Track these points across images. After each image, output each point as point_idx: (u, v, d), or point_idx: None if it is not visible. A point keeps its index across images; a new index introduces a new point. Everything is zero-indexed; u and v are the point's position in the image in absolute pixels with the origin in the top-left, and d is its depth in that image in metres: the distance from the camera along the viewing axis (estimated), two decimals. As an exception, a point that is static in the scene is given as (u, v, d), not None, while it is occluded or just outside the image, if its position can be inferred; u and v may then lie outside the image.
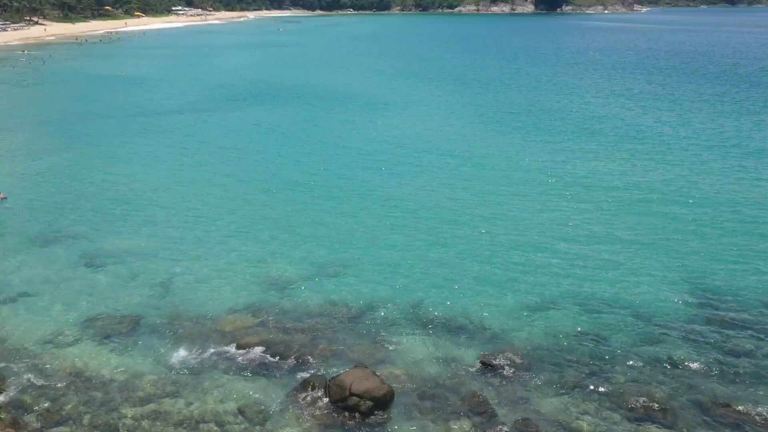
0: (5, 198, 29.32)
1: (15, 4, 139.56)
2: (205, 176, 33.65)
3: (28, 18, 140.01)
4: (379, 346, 17.91)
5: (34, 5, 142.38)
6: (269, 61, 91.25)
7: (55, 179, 32.74)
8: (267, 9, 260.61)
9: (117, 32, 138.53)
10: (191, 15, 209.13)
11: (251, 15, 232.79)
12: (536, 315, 19.34)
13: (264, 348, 17.63)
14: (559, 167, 34.23)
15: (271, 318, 19.27)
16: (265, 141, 41.32)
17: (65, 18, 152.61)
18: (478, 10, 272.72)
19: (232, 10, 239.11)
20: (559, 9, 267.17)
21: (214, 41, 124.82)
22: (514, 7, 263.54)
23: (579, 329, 18.60)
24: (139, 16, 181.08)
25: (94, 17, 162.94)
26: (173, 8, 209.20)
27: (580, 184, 31.33)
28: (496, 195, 30.32)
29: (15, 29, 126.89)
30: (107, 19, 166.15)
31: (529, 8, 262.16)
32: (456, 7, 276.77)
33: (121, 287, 21.33)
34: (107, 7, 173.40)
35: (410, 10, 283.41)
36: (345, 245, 24.62)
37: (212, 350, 17.66)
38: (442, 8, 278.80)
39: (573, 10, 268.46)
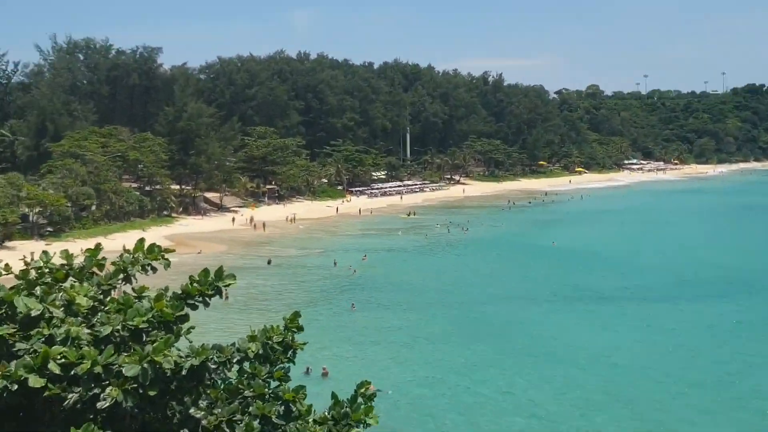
0: (327, 374, 35.13)
1: (437, 161, 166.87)
2: (649, 388, 33.70)
3: (448, 176, 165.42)
4: None
5: (456, 161, 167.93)
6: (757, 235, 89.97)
7: (441, 373, 36.91)
8: (758, 159, 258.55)
9: (548, 193, 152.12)
10: (648, 170, 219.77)
11: (722, 168, 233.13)
12: None
13: None
14: None
15: None
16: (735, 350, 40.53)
17: (490, 176, 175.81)
18: None
19: (706, 162, 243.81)
20: None
21: (678, 203, 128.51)
22: None
23: None
24: (581, 173, 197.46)
25: (523, 174, 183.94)
26: (625, 162, 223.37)
27: None
28: None
29: (433, 189, 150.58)
30: (540, 177, 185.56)
31: None
32: None
33: None
34: (542, 162, 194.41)
35: None
36: None
37: None
38: None
39: None
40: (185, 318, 5.73)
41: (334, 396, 5.99)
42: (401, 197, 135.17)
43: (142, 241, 5.82)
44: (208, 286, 5.75)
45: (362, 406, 5.84)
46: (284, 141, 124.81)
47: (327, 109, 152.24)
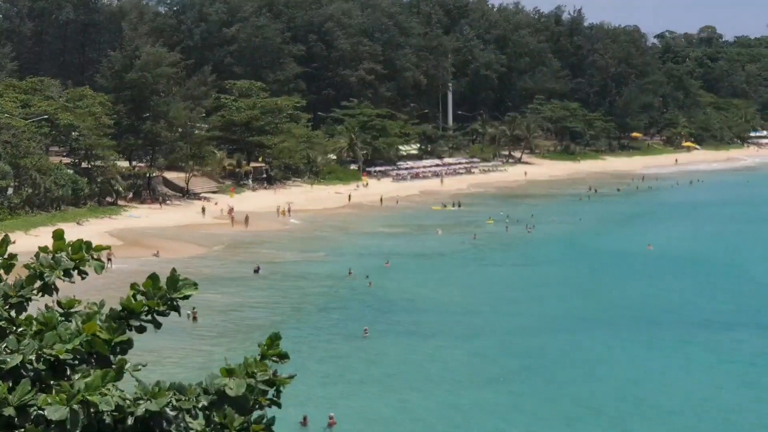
0: (334, 424, 36.19)
1: (490, 130, 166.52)
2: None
3: (505, 153, 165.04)
4: None
5: (517, 132, 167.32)
6: None
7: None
8: None
9: (645, 177, 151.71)
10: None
11: None
12: None
13: None
14: None
15: None
16: None
17: (564, 153, 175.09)
18: None
19: None
20: None
21: None
22: None
23: None
24: (690, 149, 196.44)
25: (610, 151, 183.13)
26: (752, 134, 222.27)
27: None
28: None
29: (484, 170, 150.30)
30: (633, 154, 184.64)
31: None
32: None
33: None
34: (636, 134, 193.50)
35: None
36: None
37: None
38: None
39: None
40: (128, 344, 5.69)
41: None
42: (442, 181, 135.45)
43: (62, 234, 5.74)
44: (159, 299, 5.69)
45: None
46: (276, 101, 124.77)
47: (337, 56, 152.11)
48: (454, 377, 43.98)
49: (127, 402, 5.32)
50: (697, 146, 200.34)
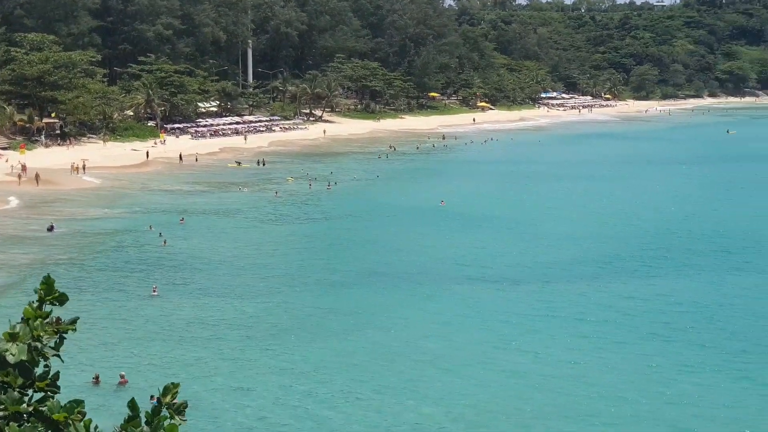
0: (125, 383, 35.77)
1: (291, 88, 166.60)
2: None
3: (306, 111, 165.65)
4: None
5: (318, 90, 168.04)
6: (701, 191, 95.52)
7: (262, 382, 37.48)
8: (717, 94, 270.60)
9: (445, 136, 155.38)
10: (570, 108, 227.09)
11: (667, 105, 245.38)
12: None
13: None
14: None
15: None
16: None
17: (364, 111, 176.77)
18: None
19: (647, 98, 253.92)
20: None
21: (604, 154, 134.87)
22: None
23: None
24: (484, 108, 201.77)
25: (409, 110, 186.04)
26: (542, 95, 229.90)
27: None
28: None
29: (285, 128, 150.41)
30: (430, 113, 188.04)
31: None
32: None
33: None
34: (433, 94, 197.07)
35: None
36: None
37: None
38: None
39: None
40: None
41: (132, 406, 5.69)
42: (245, 138, 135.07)
43: None
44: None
45: (167, 423, 5.58)
46: (70, 55, 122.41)
47: (133, 11, 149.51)
48: (239, 334, 43.72)
49: None
50: (492, 106, 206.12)
